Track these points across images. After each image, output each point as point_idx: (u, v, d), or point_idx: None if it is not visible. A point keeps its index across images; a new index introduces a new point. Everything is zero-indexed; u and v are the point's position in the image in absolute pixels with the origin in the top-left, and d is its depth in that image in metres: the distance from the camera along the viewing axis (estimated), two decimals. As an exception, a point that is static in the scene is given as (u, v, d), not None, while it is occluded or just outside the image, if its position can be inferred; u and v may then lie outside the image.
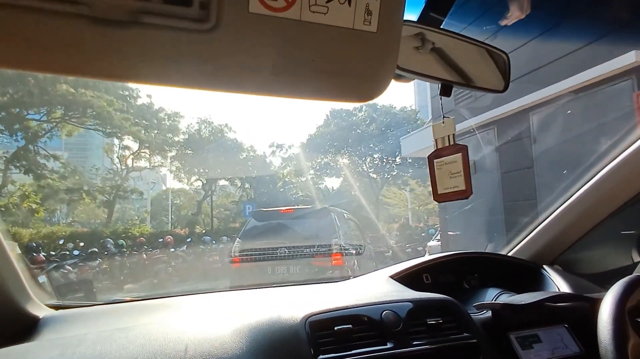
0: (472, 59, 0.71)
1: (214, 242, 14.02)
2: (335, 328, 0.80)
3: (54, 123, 16.21)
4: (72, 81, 15.00)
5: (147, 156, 19.18)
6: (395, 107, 26.37)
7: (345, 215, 6.31)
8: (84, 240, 12.08)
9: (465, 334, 0.88)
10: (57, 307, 1.16)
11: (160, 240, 13.41)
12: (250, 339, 0.78)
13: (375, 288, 1.09)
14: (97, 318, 1.08)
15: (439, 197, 0.81)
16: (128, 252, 11.70)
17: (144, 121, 17.31)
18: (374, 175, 25.98)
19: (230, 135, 21.13)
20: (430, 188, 0.85)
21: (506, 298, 1.04)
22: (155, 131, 17.89)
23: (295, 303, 0.90)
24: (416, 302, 0.90)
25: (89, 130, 18.17)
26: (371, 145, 24.11)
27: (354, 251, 5.54)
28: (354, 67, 0.43)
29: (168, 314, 1.08)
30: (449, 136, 0.80)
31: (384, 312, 0.84)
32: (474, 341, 0.87)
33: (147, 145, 18.72)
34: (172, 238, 13.34)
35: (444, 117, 0.81)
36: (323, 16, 0.40)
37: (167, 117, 18.70)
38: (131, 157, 18.71)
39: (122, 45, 0.37)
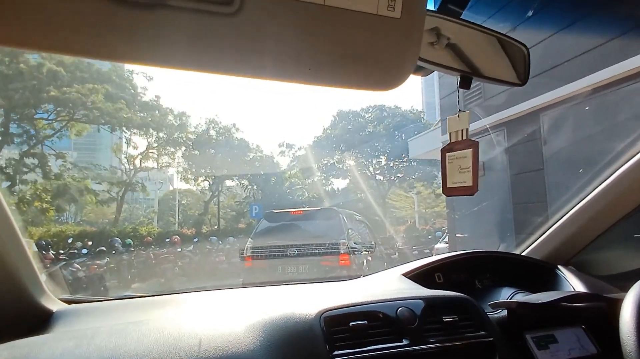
0: (492, 51, 0.70)
1: (220, 242, 14.07)
2: (351, 324, 0.79)
3: (64, 123, 16.35)
4: (81, 79, 15.13)
5: (155, 156, 19.31)
6: (401, 108, 26.29)
7: (356, 216, 6.40)
8: (93, 239, 12.20)
9: (482, 332, 0.86)
10: (69, 301, 1.16)
11: (167, 240, 13.50)
12: (264, 335, 0.77)
13: (389, 285, 1.08)
14: (109, 312, 1.08)
15: (447, 191, 0.81)
16: (135, 251, 11.77)
17: (150, 120, 17.29)
18: (381, 177, 25.91)
19: (237, 135, 21.19)
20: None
21: (522, 297, 1.02)
22: (163, 130, 17.95)
23: (309, 300, 0.89)
24: (432, 299, 0.89)
25: (97, 129, 18.33)
26: (377, 146, 24.04)
27: (362, 252, 5.61)
28: (377, 54, 0.42)
29: (180, 310, 1.08)
30: (462, 130, 0.79)
31: (399, 309, 0.83)
32: (490, 339, 0.86)
33: (155, 145, 18.85)
34: (179, 238, 13.41)
35: (460, 110, 0.79)
36: (347, 1, 0.39)
37: (176, 116, 18.75)
38: (139, 157, 18.85)
39: (146, 28, 0.36)
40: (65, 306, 1.12)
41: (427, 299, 0.87)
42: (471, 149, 0.78)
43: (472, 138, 0.78)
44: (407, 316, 0.82)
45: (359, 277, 1.38)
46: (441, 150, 0.81)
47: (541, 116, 5.06)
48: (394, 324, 0.81)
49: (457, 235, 6.73)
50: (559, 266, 1.27)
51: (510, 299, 1.06)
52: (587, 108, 4.44)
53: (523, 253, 1.49)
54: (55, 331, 0.93)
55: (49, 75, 14.37)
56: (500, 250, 1.66)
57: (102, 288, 7.71)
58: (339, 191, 27.44)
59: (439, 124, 12.70)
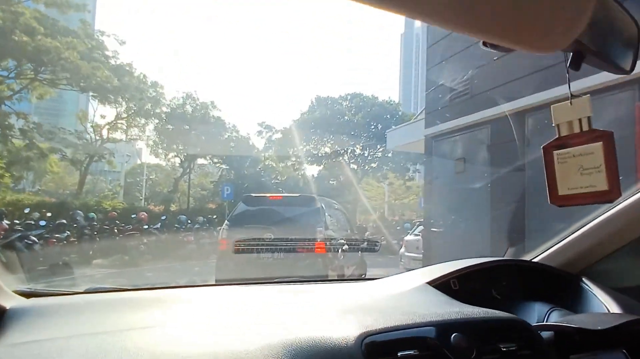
0: (626, 32, 0.55)
1: (189, 222, 13.66)
2: (399, 354, 0.65)
3: (25, 83, 15.17)
4: (45, 33, 13.97)
5: (124, 127, 18.40)
6: (378, 99, 26.33)
7: (334, 205, 6.33)
8: (52, 211, 11.50)
9: None
10: (28, 295, 0.96)
11: (133, 216, 12.95)
12: None
13: (420, 297, 0.94)
14: (78, 311, 0.89)
15: (559, 200, 0.64)
16: (99, 226, 11.24)
17: (121, 87, 16.11)
18: (355, 166, 26.00)
19: (214, 112, 20.53)
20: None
21: (567, 318, 0.91)
22: (135, 100, 16.98)
23: (335, 310, 0.74)
24: (485, 322, 0.76)
25: (61, 92, 17.14)
26: (354, 134, 24.01)
27: (339, 241, 5.56)
28: (548, 14, 0.41)
29: (165, 313, 0.90)
30: (580, 120, 0.63)
31: (454, 335, 0.69)
32: None
33: (125, 116, 17.93)
34: (146, 214, 12.90)
35: (571, 96, 0.64)
36: None
37: (150, 86, 17.74)
38: (107, 126, 17.87)
39: None
40: (22, 301, 0.92)
41: (480, 323, 0.74)
42: (601, 142, 0.61)
43: (597, 128, 0.61)
44: (463, 344, 0.68)
45: (364, 275, 1.25)
46: (544, 147, 0.65)
47: (527, 117, 5.07)
48: (449, 355, 0.67)
49: (432, 229, 6.75)
50: (583, 277, 1.17)
51: (547, 316, 0.96)
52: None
53: (535, 260, 1.40)
54: (5, 338, 0.73)
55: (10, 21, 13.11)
56: (508, 254, 1.57)
57: (62, 266, 7.28)
58: (313, 177, 27.38)
59: (419, 117, 12.74)
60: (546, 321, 0.96)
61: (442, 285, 1.05)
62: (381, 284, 1.13)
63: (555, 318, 0.94)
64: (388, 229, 18.94)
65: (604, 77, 3.90)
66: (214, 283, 1.25)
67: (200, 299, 1.02)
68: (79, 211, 11.07)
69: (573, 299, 1.14)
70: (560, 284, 1.24)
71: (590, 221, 1.31)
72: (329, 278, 1.40)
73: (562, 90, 3.82)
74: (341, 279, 1.44)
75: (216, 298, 1.04)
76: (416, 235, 12.20)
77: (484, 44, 0.49)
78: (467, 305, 0.86)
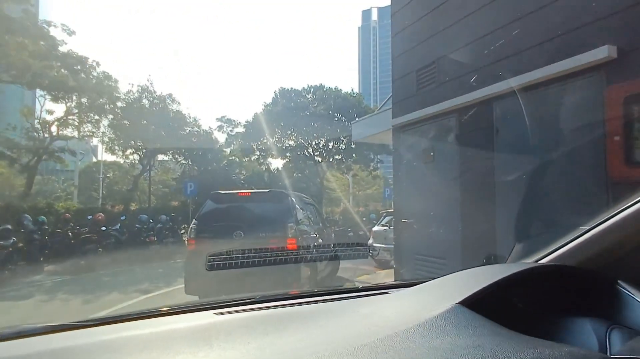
0: None
1: (151, 221, 13.04)
2: None
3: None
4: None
5: (76, 123, 17.21)
6: (342, 91, 26.28)
7: (305, 199, 6.17)
8: (-4, 215, 10.60)
9: None
10: None
11: (89, 217, 12.19)
12: None
13: (462, 330, 0.73)
14: None
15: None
16: (50, 230, 10.46)
17: (71, 80, 14.96)
18: (319, 158, 25.87)
19: (173, 106, 19.66)
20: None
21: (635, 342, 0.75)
22: (87, 94, 15.85)
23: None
24: None
25: (1, 87, 15.76)
26: (317, 126, 23.84)
27: (310, 235, 5.41)
28: None
29: None
30: None
31: None
32: None
33: (76, 111, 16.78)
34: (103, 215, 12.16)
35: None
36: None
37: (103, 78, 16.57)
38: (56, 123, 16.64)
39: None
40: None
41: None
42: None
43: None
44: None
45: (385, 292, 1.05)
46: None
47: (494, 105, 5.08)
48: None
49: (403, 220, 6.72)
50: (619, 280, 1.01)
51: (609, 337, 0.80)
52: (537, 103, 4.50)
53: (544, 261, 1.25)
54: None
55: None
56: (514, 252, 1.43)
57: (8, 275, 6.67)
58: (278, 171, 27.04)
59: (383, 108, 12.74)
60: (610, 344, 0.79)
61: (476, 304, 0.85)
62: (399, 303, 0.94)
63: (621, 339, 0.79)
64: (355, 220, 19.05)
65: (572, 63, 3.93)
66: (184, 306, 1.01)
67: (190, 332, 0.79)
68: (26, 215, 10.23)
69: (610, 307, 0.97)
70: (586, 288, 1.08)
71: (611, 218, 1.15)
72: (328, 291, 1.18)
73: (527, 77, 3.78)
74: (342, 291, 1.23)
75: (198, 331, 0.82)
76: (383, 225, 12.29)
77: None
78: (524, 337, 0.68)
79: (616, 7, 3.61)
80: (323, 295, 1.15)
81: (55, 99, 15.59)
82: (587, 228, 1.19)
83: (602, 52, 3.61)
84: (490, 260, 2.08)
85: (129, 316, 0.95)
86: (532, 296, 1.02)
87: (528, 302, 0.99)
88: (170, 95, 19.62)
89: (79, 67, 15.32)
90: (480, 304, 0.83)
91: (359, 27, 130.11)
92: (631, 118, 3.59)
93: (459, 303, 0.80)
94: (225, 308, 1.00)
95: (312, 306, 0.99)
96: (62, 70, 14.74)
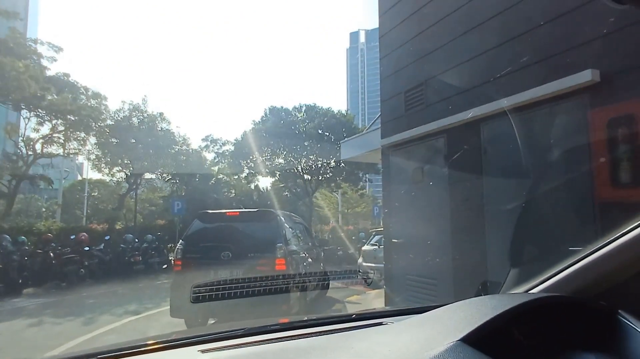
0: None
1: (136, 241, 12.75)
2: None
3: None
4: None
5: (61, 141, 16.95)
6: (332, 110, 26.51)
7: (295, 218, 6.10)
8: (-27, 235, 10.23)
9: None
10: None
11: (72, 237, 11.86)
12: None
13: None
14: None
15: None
16: (30, 250, 10.13)
17: (58, 98, 14.80)
18: (309, 177, 25.83)
19: (163, 125, 19.52)
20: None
21: None
22: (74, 112, 15.66)
23: None
24: None
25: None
26: (307, 145, 23.86)
27: (300, 255, 5.32)
28: None
29: None
30: None
31: None
32: None
33: (62, 129, 16.54)
34: (86, 235, 11.85)
35: None
36: None
37: (90, 96, 16.43)
38: (41, 141, 16.36)
39: None
40: None
41: None
42: None
43: None
44: None
45: (383, 319, 1.01)
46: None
47: (482, 126, 5.15)
48: None
49: (393, 240, 6.68)
50: (620, 310, 0.97)
51: None
52: (522, 125, 4.57)
53: (535, 290, 1.22)
54: None
55: None
56: (509, 278, 1.40)
57: None
58: (267, 190, 26.89)
59: (372, 127, 12.85)
60: None
61: (479, 341, 0.81)
62: (396, 338, 0.89)
63: None
64: (343, 239, 18.95)
65: (557, 86, 4.02)
66: (167, 340, 0.94)
67: None
68: (5, 236, 9.90)
69: (610, 339, 0.94)
70: (582, 318, 1.04)
71: (606, 246, 1.13)
72: (320, 321, 1.12)
73: (515, 99, 3.84)
74: (335, 320, 1.17)
75: None
76: (373, 245, 12.19)
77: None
78: None
79: (600, 31, 3.72)
80: (314, 326, 1.10)
81: (41, 120, 15.41)
82: (582, 255, 1.17)
83: (586, 76, 3.70)
84: (486, 287, 2.05)
85: (106, 353, 0.88)
86: (531, 326, 0.99)
87: (527, 333, 0.96)
88: (161, 114, 19.54)
89: (66, 89, 15.23)
90: (481, 338, 0.79)
91: (347, 49, 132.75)
92: (615, 141, 3.66)
93: (460, 339, 0.75)
94: (211, 342, 0.94)
95: (303, 342, 0.94)
96: (51, 90, 14.63)
